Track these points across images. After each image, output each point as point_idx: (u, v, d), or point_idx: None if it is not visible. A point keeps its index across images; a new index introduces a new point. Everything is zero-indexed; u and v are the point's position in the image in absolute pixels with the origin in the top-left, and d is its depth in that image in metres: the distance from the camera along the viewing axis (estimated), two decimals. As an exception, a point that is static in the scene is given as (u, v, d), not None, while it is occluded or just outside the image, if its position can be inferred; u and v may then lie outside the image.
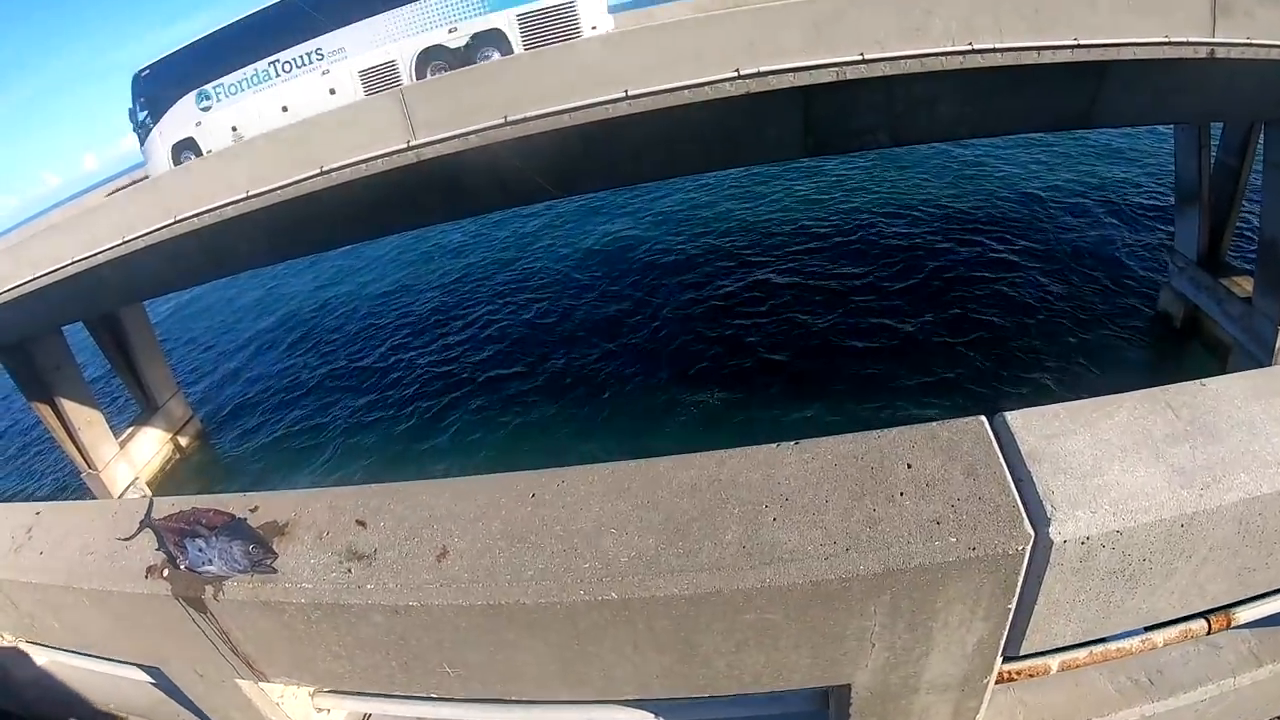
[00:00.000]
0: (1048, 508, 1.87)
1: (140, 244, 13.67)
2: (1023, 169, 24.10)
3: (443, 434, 18.29)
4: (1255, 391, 2.12)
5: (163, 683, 3.72)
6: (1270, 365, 12.95)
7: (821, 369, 16.68)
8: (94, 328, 19.78)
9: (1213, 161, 14.54)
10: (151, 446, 20.71)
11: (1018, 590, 1.96)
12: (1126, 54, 10.04)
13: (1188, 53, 9.75)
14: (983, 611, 2.01)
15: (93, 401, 19.57)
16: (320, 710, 3.53)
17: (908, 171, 25.47)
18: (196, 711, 3.68)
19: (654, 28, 10.28)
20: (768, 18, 9.97)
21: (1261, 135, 12.66)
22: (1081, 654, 2.40)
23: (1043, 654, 2.32)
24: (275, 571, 2.65)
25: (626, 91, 10.12)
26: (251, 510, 2.92)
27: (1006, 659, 2.28)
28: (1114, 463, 1.96)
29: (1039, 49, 10.18)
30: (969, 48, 10.10)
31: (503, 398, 18.92)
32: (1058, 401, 2.14)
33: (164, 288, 16.35)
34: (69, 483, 21.30)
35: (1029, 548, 1.85)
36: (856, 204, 24.17)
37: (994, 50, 10.15)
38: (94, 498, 19.53)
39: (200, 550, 2.78)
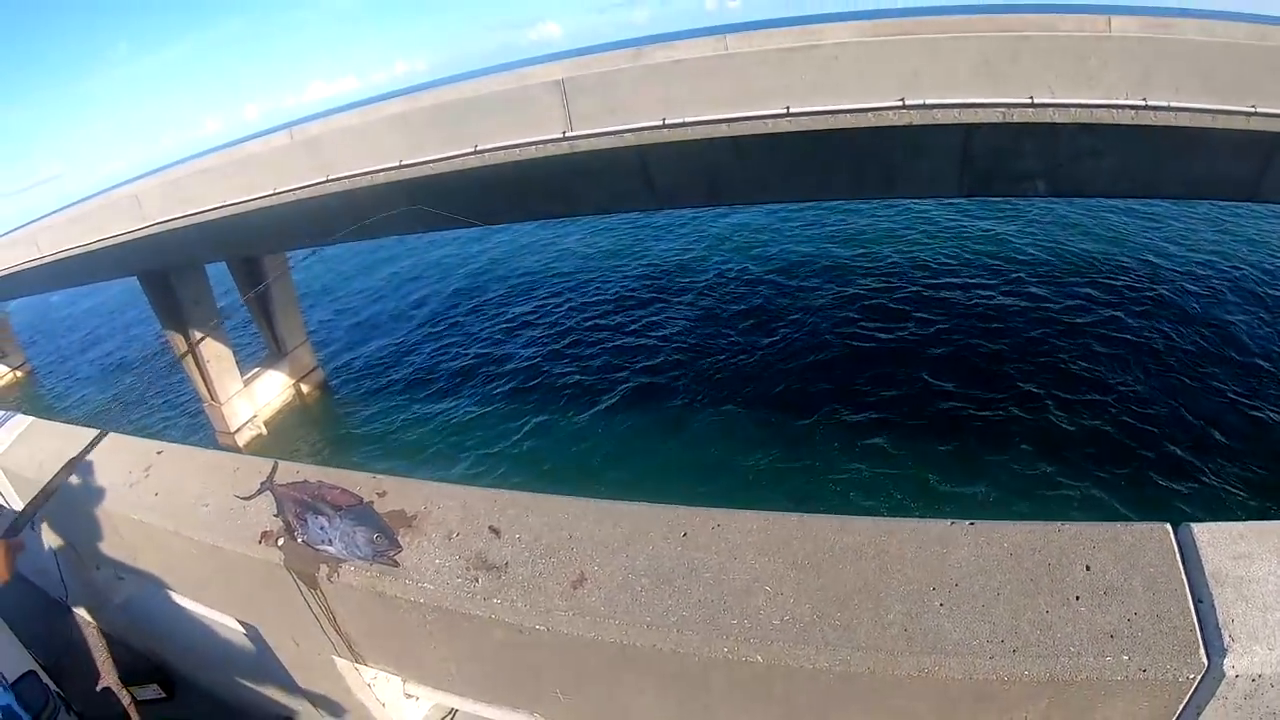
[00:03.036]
0: (1225, 637, 1.70)
1: (290, 198, 14.42)
2: (1189, 231, 22.81)
3: (563, 429, 17.96)
4: None
5: (255, 638, 3.74)
6: None
7: (934, 415, 16.05)
8: (235, 269, 20.96)
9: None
10: (274, 389, 21.87)
11: (1174, 718, 1.80)
12: (1309, 128, 9.57)
13: (1374, 138, 9.22)
14: (1135, 731, 1.85)
15: (224, 338, 20.86)
16: (409, 697, 3.54)
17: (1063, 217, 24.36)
18: (283, 672, 3.70)
19: (822, 46, 10.30)
20: (940, 48, 9.88)
21: None
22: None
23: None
24: (398, 565, 2.58)
25: (788, 108, 10.17)
26: (380, 494, 2.87)
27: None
28: (1299, 595, 1.78)
29: (1214, 112, 9.78)
30: (1142, 103, 9.75)
31: (646, 397, 18.47)
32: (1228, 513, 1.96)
33: (310, 242, 17.16)
34: (191, 408, 22.70)
35: (1199, 677, 1.71)
36: (1000, 247, 23.27)
37: (1167, 109, 9.80)
38: (212, 428, 20.78)
39: (322, 528, 2.74)
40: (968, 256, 22.91)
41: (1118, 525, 2.02)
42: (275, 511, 2.93)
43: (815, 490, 14.57)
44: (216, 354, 20.32)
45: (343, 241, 17.84)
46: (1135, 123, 9.88)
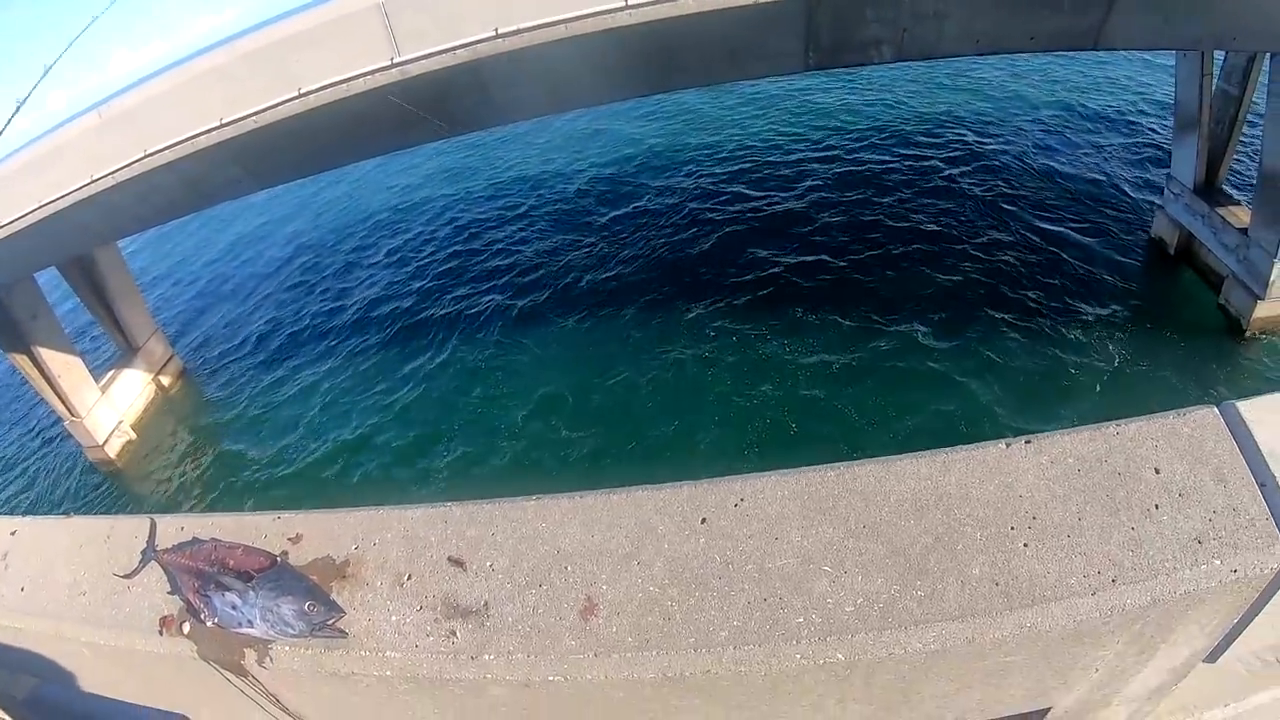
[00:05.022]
0: (1295, 519, 1.59)
1: (110, 182, 13.07)
2: (1017, 87, 23.56)
3: (442, 364, 17.75)
4: None
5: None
6: (1263, 298, 12.87)
7: (794, 292, 16.47)
8: (66, 270, 19.15)
9: (1214, 89, 14.27)
10: (134, 388, 20.24)
11: (1249, 606, 1.74)
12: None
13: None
14: (1211, 628, 1.78)
15: (71, 347, 19.04)
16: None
17: (891, 88, 24.79)
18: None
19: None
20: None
21: (1267, 65, 12.28)
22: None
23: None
24: (344, 635, 2.02)
25: (626, 1, 9.63)
26: (292, 540, 2.25)
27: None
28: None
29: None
30: (989, -45, 9.72)
31: (503, 324, 18.36)
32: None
33: (140, 224, 15.77)
34: (52, 433, 20.78)
35: (1280, 565, 1.58)
36: (839, 123, 23.51)
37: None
38: (78, 446, 19.14)
39: (234, 607, 2.11)
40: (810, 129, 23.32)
41: (1170, 416, 1.86)
42: (169, 588, 2.32)
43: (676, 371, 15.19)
44: (66, 365, 18.49)
45: (182, 215, 16.42)
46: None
